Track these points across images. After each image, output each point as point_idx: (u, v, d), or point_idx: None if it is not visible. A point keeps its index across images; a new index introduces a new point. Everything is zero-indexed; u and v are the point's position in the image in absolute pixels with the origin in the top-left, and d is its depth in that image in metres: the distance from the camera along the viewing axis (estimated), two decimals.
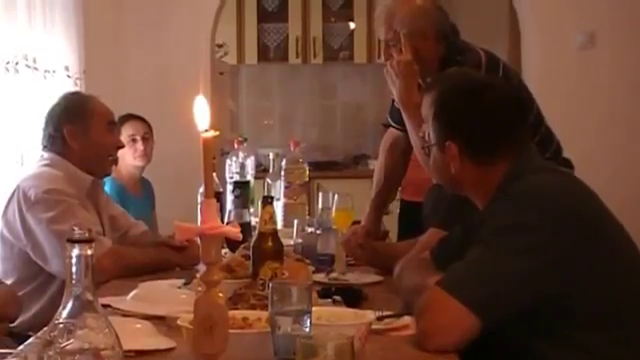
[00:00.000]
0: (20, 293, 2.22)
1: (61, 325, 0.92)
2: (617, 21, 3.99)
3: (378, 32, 2.38)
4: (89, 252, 0.90)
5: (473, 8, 5.22)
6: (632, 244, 1.55)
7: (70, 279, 0.91)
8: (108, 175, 2.59)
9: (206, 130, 1.29)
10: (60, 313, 0.91)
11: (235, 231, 1.32)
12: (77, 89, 3.50)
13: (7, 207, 2.33)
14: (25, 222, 2.27)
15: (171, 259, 2.33)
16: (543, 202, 1.49)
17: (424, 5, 2.32)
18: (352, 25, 5.49)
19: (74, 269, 0.91)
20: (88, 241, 0.90)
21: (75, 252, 0.90)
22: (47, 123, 2.42)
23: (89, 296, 0.92)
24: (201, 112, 1.30)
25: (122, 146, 2.60)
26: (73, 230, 0.91)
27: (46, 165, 2.38)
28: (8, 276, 2.32)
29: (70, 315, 0.91)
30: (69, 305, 0.91)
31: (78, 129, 2.39)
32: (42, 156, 2.44)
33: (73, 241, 0.90)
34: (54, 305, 0.96)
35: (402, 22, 2.27)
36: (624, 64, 3.99)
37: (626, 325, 1.47)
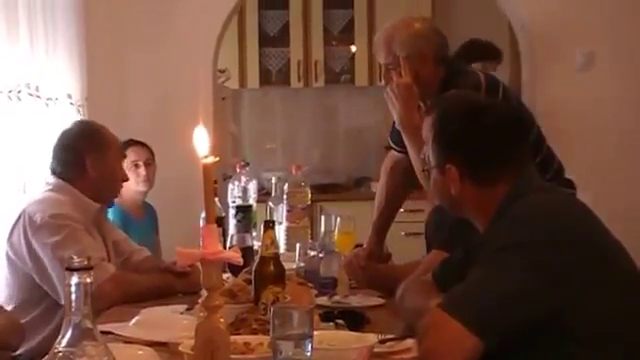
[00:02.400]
0: (25, 319, 2.22)
1: (60, 354, 0.92)
2: (617, 41, 4.01)
3: (377, 56, 2.40)
4: (88, 280, 0.90)
5: (473, 30, 5.24)
6: (632, 264, 1.55)
7: (69, 307, 0.91)
8: (113, 202, 2.62)
9: (206, 156, 1.30)
10: (59, 341, 0.91)
11: (236, 256, 1.32)
12: (80, 116, 3.53)
13: (12, 231, 2.34)
14: (30, 246, 2.28)
15: (174, 285, 2.34)
16: (542, 222, 1.49)
17: (422, 29, 2.34)
18: (353, 48, 5.52)
19: (73, 297, 0.91)
20: (87, 269, 0.90)
21: (74, 280, 0.90)
22: (64, 149, 2.44)
23: (88, 324, 0.92)
24: (201, 138, 1.30)
25: (126, 179, 2.64)
26: (72, 258, 0.91)
27: (51, 190, 2.40)
28: (12, 300, 2.33)
29: (69, 343, 0.91)
30: (68, 333, 0.91)
31: (99, 158, 2.43)
32: (47, 182, 2.45)
33: (72, 269, 0.90)
34: (59, 334, 0.96)
35: (401, 46, 2.28)
36: (624, 84, 4.00)
37: (626, 343, 1.46)
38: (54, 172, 2.44)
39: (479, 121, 1.61)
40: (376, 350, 1.51)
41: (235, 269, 2.09)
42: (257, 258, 1.87)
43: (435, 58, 2.31)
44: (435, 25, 2.48)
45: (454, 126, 1.62)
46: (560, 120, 3.75)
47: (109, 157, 2.46)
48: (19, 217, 2.33)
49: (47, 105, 3.22)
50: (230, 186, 3.24)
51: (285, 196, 3.03)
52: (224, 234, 2.69)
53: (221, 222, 2.66)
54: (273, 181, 3.38)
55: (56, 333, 0.92)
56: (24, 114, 2.98)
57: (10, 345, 1.99)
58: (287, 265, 1.95)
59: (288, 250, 2.84)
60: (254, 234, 2.80)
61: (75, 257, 0.92)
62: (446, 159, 1.61)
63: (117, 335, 1.76)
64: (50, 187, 2.42)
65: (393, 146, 2.59)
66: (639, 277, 1.54)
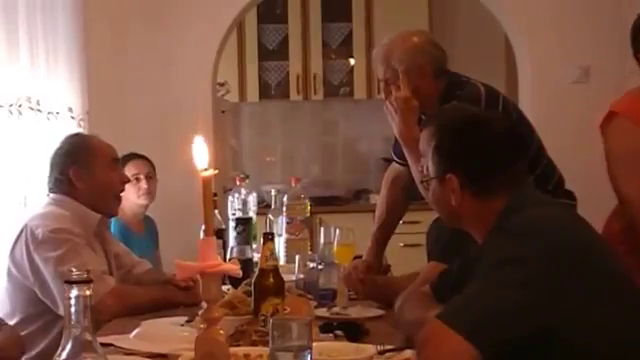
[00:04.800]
0: (25, 332, 2.22)
1: None
2: (611, 55, 4.03)
3: (376, 71, 2.41)
4: (88, 293, 0.91)
5: (469, 43, 5.27)
6: (631, 278, 1.55)
7: (69, 320, 0.92)
8: (115, 214, 2.61)
9: (205, 169, 1.31)
10: (59, 354, 0.92)
11: (234, 268, 1.34)
12: (81, 130, 3.54)
13: (15, 246, 2.35)
14: (33, 261, 2.29)
15: (175, 297, 2.34)
16: (541, 235, 1.50)
17: (420, 42, 2.36)
18: (352, 61, 5.55)
19: (73, 310, 0.91)
20: (87, 282, 0.91)
21: (74, 293, 0.91)
22: (52, 167, 2.46)
23: (88, 336, 0.92)
24: (200, 151, 1.32)
25: (128, 180, 2.63)
26: (71, 271, 0.91)
27: (53, 204, 2.41)
28: (13, 314, 2.33)
29: (69, 356, 0.92)
30: (68, 346, 0.92)
31: (83, 170, 2.42)
32: (49, 196, 2.46)
33: (72, 282, 0.91)
34: (59, 345, 0.97)
35: (400, 60, 2.30)
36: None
37: (625, 358, 1.47)
38: (50, 189, 2.46)
39: (479, 132, 1.62)
40: None
41: (235, 281, 2.10)
42: (257, 270, 1.88)
43: (434, 71, 2.33)
44: (433, 38, 2.50)
45: (455, 136, 1.63)
46: (556, 134, 3.76)
47: (95, 167, 2.43)
48: (21, 232, 2.34)
49: (48, 119, 3.23)
50: (230, 199, 3.25)
51: (284, 208, 3.05)
52: (224, 246, 2.71)
53: (221, 234, 2.68)
54: (272, 193, 3.40)
55: (55, 344, 0.93)
56: (25, 128, 3.00)
57: (10, 358, 2.00)
58: (286, 277, 1.95)
59: (288, 262, 2.85)
60: (254, 246, 2.81)
61: (74, 270, 0.92)
62: (447, 169, 1.62)
63: (117, 347, 1.76)
64: (52, 201, 2.44)
65: (395, 158, 2.60)
66: (638, 291, 1.55)
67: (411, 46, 2.33)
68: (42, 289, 2.29)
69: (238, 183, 3.33)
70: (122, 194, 2.55)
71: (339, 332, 1.86)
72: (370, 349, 1.61)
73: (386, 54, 2.34)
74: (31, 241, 2.29)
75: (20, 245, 2.32)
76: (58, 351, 0.93)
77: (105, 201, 2.45)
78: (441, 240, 2.05)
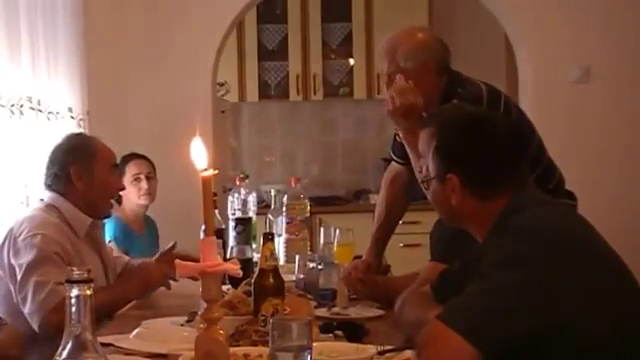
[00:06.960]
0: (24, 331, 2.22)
1: None
2: (612, 55, 4.04)
3: (381, 65, 2.41)
4: (88, 292, 0.91)
5: (470, 43, 5.28)
6: (630, 276, 1.56)
7: (69, 319, 0.92)
8: (108, 217, 2.60)
9: (205, 169, 1.31)
10: (59, 353, 0.92)
11: (235, 268, 1.34)
12: (81, 130, 3.55)
13: (2, 247, 2.34)
14: (11, 266, 2.28)
15: (126, 295, 2.35)
16: (542, 235, 1.50)
17: (425, 39, 2.35)
18: (351, 61, 5.55)
19: (73, 309, 0.91)
20: (87, 281, 0.91)
21: (74, 292, 0.91)
22: (52, 162, 2.44)
23: (89, 336, 0.92)
24: (199, 151, 1.32)
25: (123, 188, 2.63)
26: (72, 271, 0.91)
27: (43, 209, 2.39)
28: (7, 314, 2.33)
29: (69, 355, 0.92)
30: (69, 345, 0.92)
31: (84, 169, 2.41)
32: (42, 198, 2.45)
33: (72, 281, 0.91)
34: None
35: (405, 56, 2.29)
36: (618, 98, 4.04)
37: (627, 357, 1.47)
38: (47, 186, 2.45)
39: (480, 132, 1.62)
40: None
41: (235, 281, 2.10)
42: (257, 270, 1.88)
43: (438, 68, 2.32)
44: (436, 35, 2.49)
45: (455, 135, 1.63)
46: (556, 134, 3.76)
47: (95, 168, 2.42)
48: (7, 235, 2.34)
49: (48, 119, 3.24)
50: (230, 198, 3.25)
51: (284, 208, 3.05)
52: (224, 246, 2.71)
53: (221, 234, 2.68)
54: (272, 193, 3.40)
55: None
56: (26, 128, 3.01)
57: (12, 357, 1.99)
58: (286, 277, 1.95)
59: (288, 262, 2.85)
60: (254, 246, 2.82)
61: (75, 269, 0.93)
62: (447, 169, 1.61)
63: (117, 347, 1.76)
64: (40, 205, 2.43)
65: (394, 158, 2.60)
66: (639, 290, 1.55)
67: (416, 42, 2.32)
68: (18, 291, 2.28)
69: (238, 183, 3.34)
70: (122, 194, 2.56)
71: (339, 332, 1.86)
72: (370, 349, 1.61)
73: (391, 49, 2.33)
74: (12, 245, 2.29)
75: (4, 248, 2.32)
76: (59, 350, 0.94)
77: (99, 203, 2.45)
78: (441, 240, 2.05)
